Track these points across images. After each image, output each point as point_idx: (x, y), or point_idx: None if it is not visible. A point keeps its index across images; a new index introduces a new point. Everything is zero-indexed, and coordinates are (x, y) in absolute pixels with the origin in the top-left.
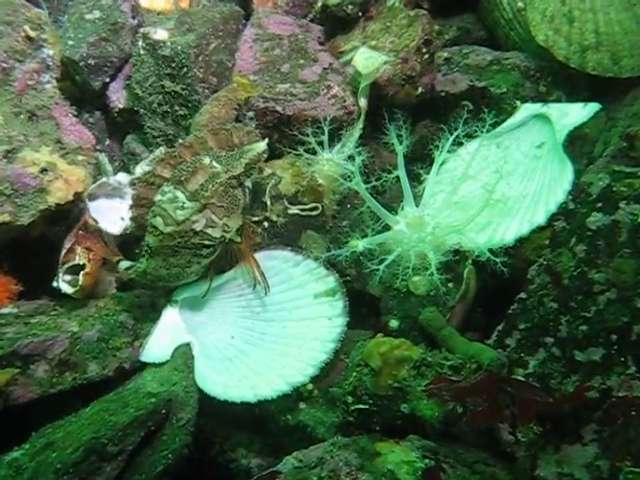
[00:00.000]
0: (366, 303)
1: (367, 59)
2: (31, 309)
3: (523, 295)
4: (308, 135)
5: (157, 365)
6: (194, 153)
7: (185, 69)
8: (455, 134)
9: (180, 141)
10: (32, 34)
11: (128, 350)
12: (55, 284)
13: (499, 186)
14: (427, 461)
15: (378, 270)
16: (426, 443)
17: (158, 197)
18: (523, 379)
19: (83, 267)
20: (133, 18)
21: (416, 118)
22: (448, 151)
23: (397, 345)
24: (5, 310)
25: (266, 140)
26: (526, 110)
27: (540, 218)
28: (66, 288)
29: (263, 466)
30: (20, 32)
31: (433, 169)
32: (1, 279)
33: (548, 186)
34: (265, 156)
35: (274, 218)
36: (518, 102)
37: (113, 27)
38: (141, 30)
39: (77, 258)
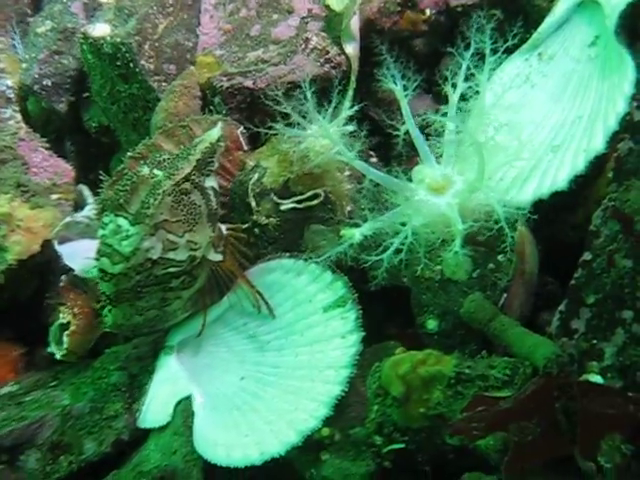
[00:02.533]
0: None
1: None
2: (31, 383)
3: (587, 256)
4: (284, 105)
5: (160, 429)
6: None
7: (132, 64)
8: (467, 59)
9: (129, 153)
10: None
11: (125, 417)
12: (49, 349)
13: (550, 115)
14: None
15: (381, 262)
16: None
17: (100, 232)
18: (591, 381)
19: (68, 326)
20: (88, 17)
21: (434, 50)
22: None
23: (421, 360)
24: (5, 389)
25: (240, 127)
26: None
27: (598, 142)
28: (57, 353)
29: None
30: None
31: (450, 108)
32: (7, 353)
33: (607, 96)
34: (221, 145)
35: (263, 220)
36: None
37: (63, 35)
38: (81, 30)
39: (60, 316)
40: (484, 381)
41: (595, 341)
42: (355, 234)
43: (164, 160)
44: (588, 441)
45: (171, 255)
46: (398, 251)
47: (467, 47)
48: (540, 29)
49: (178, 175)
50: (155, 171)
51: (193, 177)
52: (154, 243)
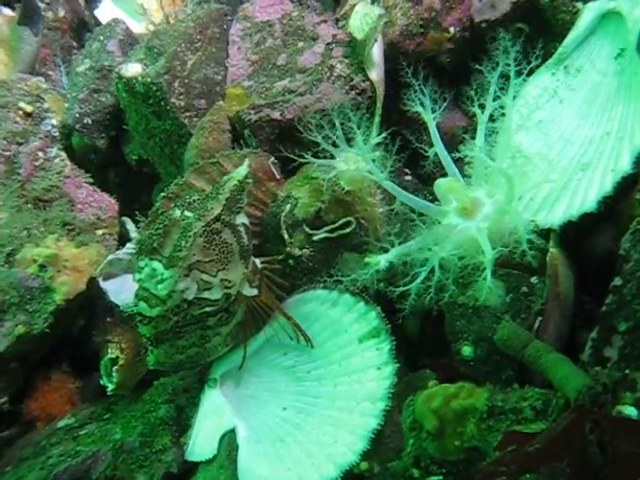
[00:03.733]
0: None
1: (362, 17)
2: (86, 415)
3: (617, 281)
4: (314, 134)
5: (207, 462)
6: None
7: (163, 102)
8: (494, 80)
9: (162, 194)
10: (29, 109)
11: (173, 450)
12: (101, 382)
13: (579, 130)
14: None
15: (409, 291)
16: None
17: (136, 276)
18: (624, 415)
19: (117, 360)
20: (124, 54)
21: (462, 65)
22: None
23: (454, 393)
24: (61, 423)
25: (271, 158)
26: (590, 11)
27: (625, 163)
28: (108, 386)
29: None
30: (17, 111)
31: (479, 130)
32: (63, 386)
33: (634, 113)
34: (250, 182)
35: (296, 252)
36: (579, 3)
37: (101, 74)
38: (115, 70)
39: (109, 351)
40: (517, 414)
41: (628, 370)
42: (381, 261)
43: (194, 201)
44: None
45: (206, 295)
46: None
47: (494, 67)
48: (565, 42)
49: (208, 216)
50: (186, 213)
51: (223, 216)
52: (189, 284)
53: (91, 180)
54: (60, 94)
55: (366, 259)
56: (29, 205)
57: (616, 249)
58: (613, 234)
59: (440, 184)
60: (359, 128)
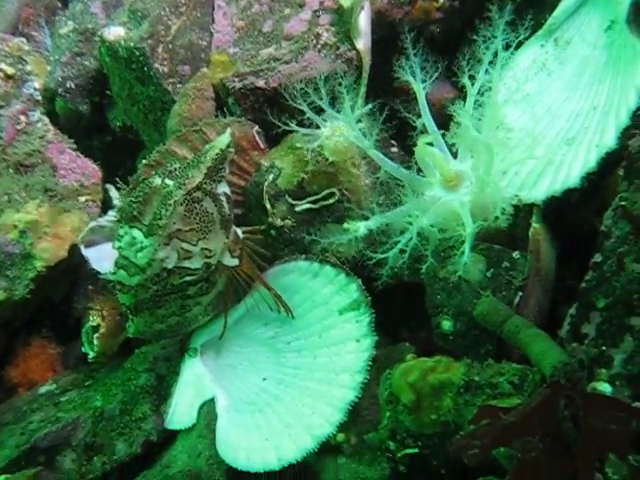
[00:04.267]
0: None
1: None
2: (68, 382)
3: (598, 257)
4: (299, 101)
5: (186, 431)
6: None
7: (146, 68)
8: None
9: (144, 161)
10: (10, 71)
11: (153, 419)
12: (83, 349)
13: (566, 104)
14: None
15: (385, 260)
16: None
17: (116, 244)
18: (597, 391)
19: (98, 328)
20: (108, 16)
21: (451, 35)
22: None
23: (431, 367)
24: (43, 389)
25: (255, 127)
26: None
27: (610, 138)
28: (89, 354)
29: None
30: None
31: (468, 102)
32: (43, 352)
33: (620, 87)
34: (232, 151)
35: (278, 223)
36: None
37: (84, 37)
38: (98, 34)
39: (91, 319)
40: (493, 389)
41: (605, 347)
42: (360, 227)
43: (175, 170)
44: (587, 459)
45: (186, 264)
46: (403, 250)
47: (488, 39)
48: (555, 14)
49: (189, 184)
50: (167, 181)
51: (204, 185)
52: (169, 253)
53: (74, 146)
54: (43, 56)
55: (345, 225)
56: (10, 170)
57: (599, 224)
58: (597, 209)
59: (418, 148)
60: (345, 97)
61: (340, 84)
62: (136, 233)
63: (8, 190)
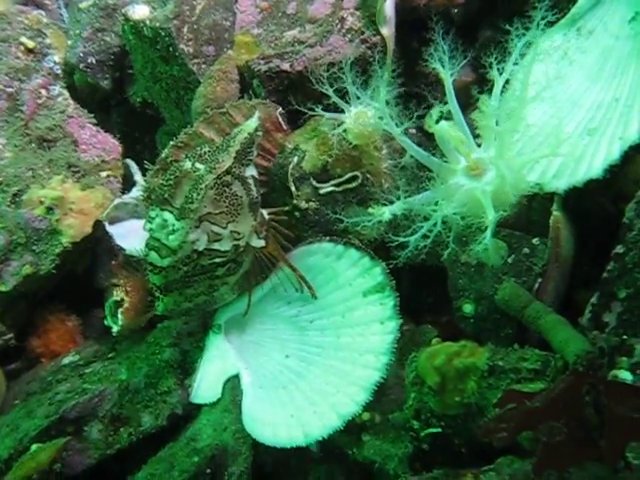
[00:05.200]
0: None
1: None
2: (90, 354)
3: (620, 248)
4: (326, 87)
5: (211, 405)
6: None
7: (171, 48)
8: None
9: (172, 142)
10: (31, 45)
11: (178, 392)
12: (106, 322)
13: (587, 94)
14: None
15: (407, 243)
16: (517, 468)
17: (147, 225)
18: (620, 379)
19: (122, 303)
20: None
21: (475, 20)
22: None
23: (456, 352)
24: (66, 360)
25: (279, 109)
26: None
27: (633, 132)
28: (113, 327)
29: None
30: (18, 47)
31: (494, 93)
32: (63, 324)
33: None
34: (260, 134)
35: (303, 205)
36: None
37: (105, 12)
38: (122, 11)
39: (114, 293)
40: (516, 374)
41: (626, 336)
42: (385, 212)
43: (205, 153)
44: (613, 445)
45: (216, 246)
46: (426, 236)
47: (517, 34)
48: (579, 3)
49: (219, 168)
50: (197, 165)
51: (234, 169)
52: (199, 235)
53: (94, 120)
54: (61, 29)
55: (370, 209)
56: (33, 145)
57: (615, 211)
58: (613, 197)
59: (438, 127)
60: (381, 84)
61: (369, 69)
62: (167, 216)
63: (32, 165)
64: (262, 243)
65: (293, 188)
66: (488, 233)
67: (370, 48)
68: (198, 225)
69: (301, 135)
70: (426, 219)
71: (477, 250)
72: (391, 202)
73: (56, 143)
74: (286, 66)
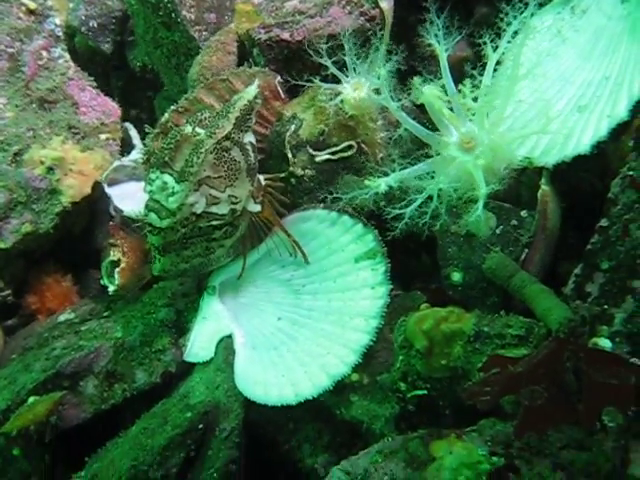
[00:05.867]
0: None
1: None
2: (86, 312)
3: (604, 222)
4: (324, 58)
5: (204, 364)
6: None
7: (174, 14)
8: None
9: (172, 107)
10: (32, 6)
11: (172, 351)
12: (102, 282)
13: (579, 72)
14: (495, 459)
15: (403, 215)
16: (499, 430)
17: (147, 187)
18: (599, 347)
19: (119, 263)
20: None
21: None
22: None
23: (444, 317)
24: (62, 317)
25: (277, 77)
26: None
27: (621, 110)
28: (109, 287)
29: (331, 463)
30: (20, 7)
31: (487, 70)
32: (59, 284)
33: (635, 60)
34: (259, 102)
35: (299, 172)
36: None
37: None
38: None
39: (111, 254)
40: (501, 339)
41: (606, 306)
42: (381, 184)
43: (205, 118)
44: (591, 409)
45: (214, 209)
46: (421, 206)
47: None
48: None
49: (219, 133)
50: (197, 129)
51: (233, 135)
52: (198, 198)
53: (94, 83)
54: None
55: (366, 181)
56: (34, 105)
57: (600, 186)
58: (599, 172)
59: (424, 91)
60: (380, 57)
61: (367, 42)
62: (167, 178)
63: (33, 126)
64: (258, 208)
65: (290, 155)
66: (480, 205)
67: (369, 21)
68: (197, 188)
69: (299, 104)
70: (419, 192)
71: (469, 222)
72: (386, 174)
73: (56, 104)
74: (286, 35)
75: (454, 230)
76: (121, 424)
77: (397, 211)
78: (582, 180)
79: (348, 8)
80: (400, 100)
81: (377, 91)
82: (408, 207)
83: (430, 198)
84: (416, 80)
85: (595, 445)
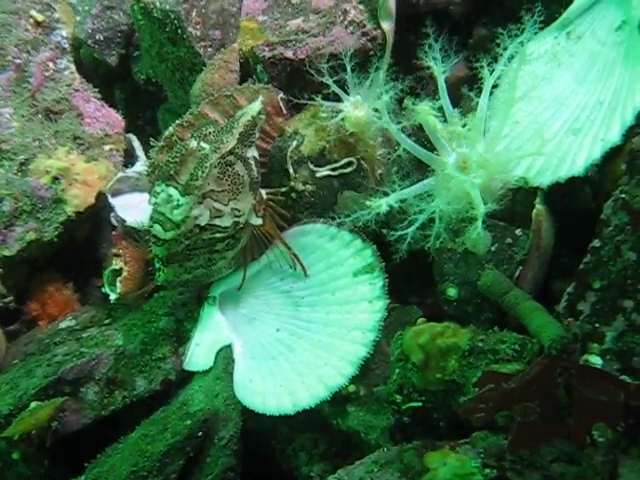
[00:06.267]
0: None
1: None
2: (87, 320)
3: (596, 243)
4: (326, 77)
5: (203, 373)
6: None
7: (180, 31)
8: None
9: (177, 121)
10: (40, 18)
11: (172, 359)
12: (103, 290)
13: (574, 95)
14: (488, 471)
15: (406, 235)
16: (492, 442)
17: (152, 200)
18: (591, 363)
19: (121, 272)
20: None
21: (472, 18)
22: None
23: (440, 332)
24: (63, 324)
25: (280, 94)
26: None
27: (615, 134)
28: (111, 295)
29: (327, 472)
30: (28, 19)
31: (484, 92)
32: (60, 292)
33: (628, 85)
34: (262, 117)
35: (300, 187)
36: None
37: None
38: None
39: (113, 263)
40: (495, 354)
41: (598, 324)
42: (382, 204)
43: (210, 133)
44: (582, 425)
45: (217, 222)
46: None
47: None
48: (571, 8)
49: (223, 148)
50: (202, 144)
51: (237, 150)
52: (202, 211)
53: (99, 95)
54: (69, 4)
55: (367, 202)
56: (39, 116)
57: (593, 208)
58: (592, 194)
59: (418, 110)
60: (380, 78)
61: (368, 61)
62: (172, 191)
63: (39, 136)
64: (260, 221)
65: (291, 170)
66: (479, 224)
67: (370, 41)
68: (201, 201)
69: (300, 120)
70: (420, 212)
71: (469, 239)
72: (386, 194)
73: (62, 115)
74: (289, 54)
75: (450, 247)
76: (121, 431)
77: (399, 232)
78: (575, 201)
79: (350, 28)
80: (400, 122)
81: (377, 110)
82: (409, 228)
83: (432, 220)
84: (407, 101)
85: (585, 459)
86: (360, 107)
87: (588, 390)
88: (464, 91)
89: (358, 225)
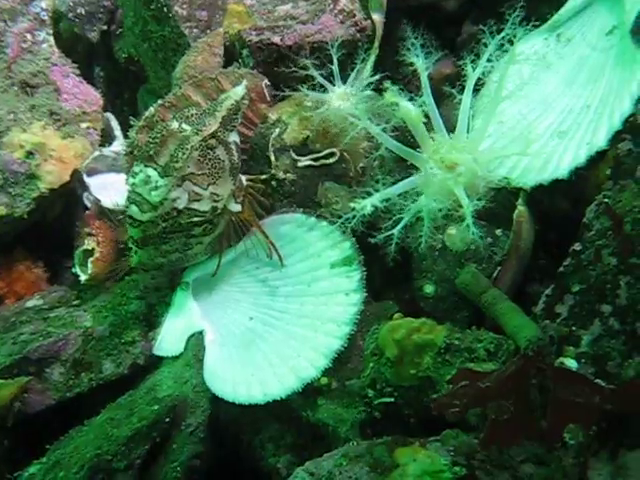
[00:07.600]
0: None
1: None
2: (55, 300)
3: (577, 246)
4: (312, 67)
5: (173, 358)
6: None
7: (165, 9)
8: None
9: (159, 101)
10: None
11: (141, 344)
12: (74, 270)
13: (561, 98)
14: (457, 469)
15: (392, 236)
16: (462, 441)
17: (130, 180)
18: (566, 365)
19: (92, 252)
20: None
21: (461, 14)
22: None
23: (416, 328)
24: (30, 303)
25: (265, 80)
26: None
27: (601, 139)
28: (81, 275)
29: (294, 464)
30: None
31: (466, 90)
32: (29, 270)
33: (616, 91)
34: (246, 102)
35: (281, 175)
36: None
37: None
38: None
39: (85, 243)
40: (470, 353)
41: (574, 327)
42: (366, 205)
43: (192, 115)
44: (554, 426)
45: (195, 205)
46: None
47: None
48: (562, 10)
49: (205, 131)
50: (184, 126)
51: (219, 133)
52: (180, 194)
53: (77, 71)
54: None
55: (351, 204)
56: (15, 88)
57: (573, 212)
58: (573, 197)
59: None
60: (355, 65)
61: (355, 52)
62: (151, 172)
63: (14, 109)
64: (239, 208)
65: (273, 158)
66: (469, 220)
67: (360, 31)
68: (180, 184)
69: (284, 108)
70: (406, 207)
71: (450, 232)
72: (369, 194)
73: (38, 89)
74: (277, 39)
75: (430, 244)
76: (85, 414)
77: (385, 233)
78: (557, 204)
79: (340, 17)
80: (382, 122)
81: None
82: (395, 227)
83: (419, 219)
84: (387, 84)
85: (554, 461)
86: (345, 99)
87: (563, 391)
88: (447, 88)
89: (336, 214)
